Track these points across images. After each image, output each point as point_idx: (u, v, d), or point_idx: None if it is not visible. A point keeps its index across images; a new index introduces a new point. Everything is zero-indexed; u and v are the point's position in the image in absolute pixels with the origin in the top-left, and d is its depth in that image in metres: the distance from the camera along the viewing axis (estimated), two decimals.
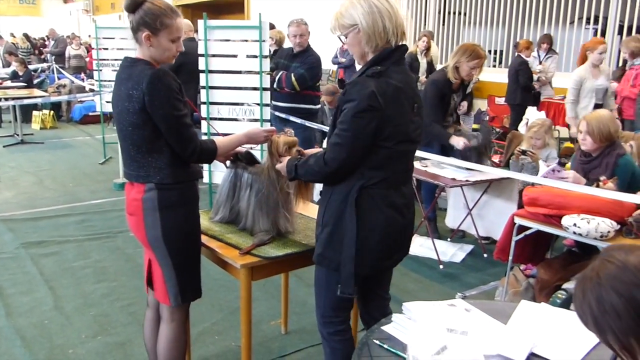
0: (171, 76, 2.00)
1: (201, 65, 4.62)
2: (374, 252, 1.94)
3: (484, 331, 1.55)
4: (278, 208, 2.31)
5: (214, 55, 4.67)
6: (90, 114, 10.32)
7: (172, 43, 2.05)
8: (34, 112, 10.01)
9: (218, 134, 3.61)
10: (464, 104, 4.52)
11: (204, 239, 2.33)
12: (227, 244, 2.27)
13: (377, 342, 1.60)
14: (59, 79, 11.39)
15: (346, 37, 1.93)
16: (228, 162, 2.49)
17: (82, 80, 11.55)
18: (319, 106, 5.52)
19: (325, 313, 2.10)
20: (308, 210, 2.70)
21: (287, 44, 5.58)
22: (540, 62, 7.50)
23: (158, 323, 2.34)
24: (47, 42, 15.47)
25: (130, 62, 2.06)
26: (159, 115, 1.97)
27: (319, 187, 2.01)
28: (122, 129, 2.05)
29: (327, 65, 8.17)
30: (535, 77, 7.21)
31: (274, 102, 5.10)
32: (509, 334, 1.56)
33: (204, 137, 3.63)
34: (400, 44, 1.92)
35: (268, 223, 2.31)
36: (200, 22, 4.57)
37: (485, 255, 4.27)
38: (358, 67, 2.00)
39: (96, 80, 6.83)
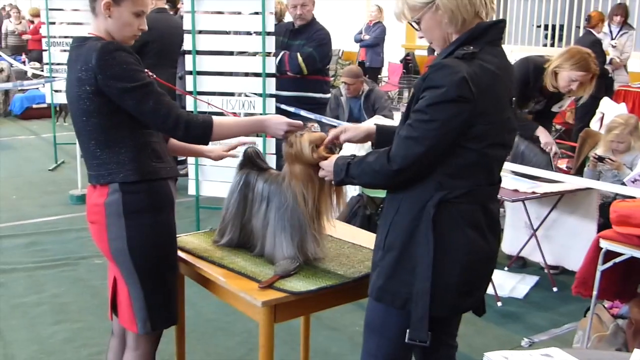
0: (126, 49, 2.12)
1: (187, 44, 4.61)
2: (453, 286, 1.92)
3: None
4: (305, 228, 2.30)
5: (201, 32, 4.67)
6: (35, 106, 10.33)
7: (135, 17, 2.17)
8: None
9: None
10: (545, 138, 4.26)
11: (203, 265, 2.35)
12: (240, 274, 2.26)
13: None
14: None
15: (419, 23, 1.93)
16: (236, 163, 2.51)
17: (23, 63, 11.57)
18: (328, 95, 5.52)
19: None
20: (337, 230, 2.68)
21: (289, 17, 5.59)
22: (613, 39, 7.51)
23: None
24: None
25: (79, 41, 2.19)
26: (119, 90, 2.08)
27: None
28: (77, 121, 2.19)
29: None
30: (607, 58, 7.21)
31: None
32: None
33: None
34: (495, 19, 1.92)
35: (293, 248, 2.30)
36: None
37: (555, 289, 4.24)
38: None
39: (45, 64, 6.83)
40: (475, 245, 1.92)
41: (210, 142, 2.32)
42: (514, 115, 1.99)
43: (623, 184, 3.94)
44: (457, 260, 1.90)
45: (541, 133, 4.17)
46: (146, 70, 2.20)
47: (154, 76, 2.24)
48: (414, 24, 1.94)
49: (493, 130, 1.87)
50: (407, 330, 1.92)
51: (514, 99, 1.97)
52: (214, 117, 2.24)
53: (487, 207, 1.96)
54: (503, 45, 1.98)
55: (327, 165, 2.12)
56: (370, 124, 2.49)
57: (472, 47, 1.84)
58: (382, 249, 1.98)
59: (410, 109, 1.89)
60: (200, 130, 2.20)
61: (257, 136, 4.63)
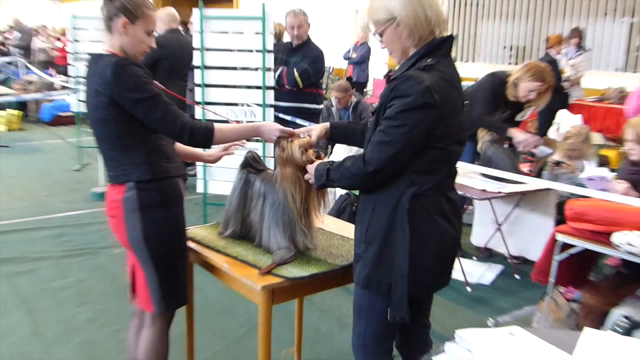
0: (137, 64, 2.13)
1: (196, 60, 4.61)
2: (428, 270, 1.94)
3: None
4: (295, 223, 2.30)
5: (208, 50, 4.67)
6: (62, 114, 10.28)
7: (146, 36, 2.19)
8: None
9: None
10: (520, 136, 4.21)
11: (209, 254, 2.36)
12: (242, 262, 2.26)
13: None
14: (25, 74, 11.33)
15: (382, 35, 1.94)
16: (238, 167, 2.50)
17: (51, 75, 11.50)
18: (321, 106, 5.52)
19: (367, 343, 2.08)
20: (326, 223, 2.68)
21: (287, 38, 5.59)
22: (570, 59, 7.55)
23: None
24: (8, 34, 15.39)
25: (95, 58, 2.21)
26: (131, 101, 2.08)
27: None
28: (96, 128, 2.21)
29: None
30: (563, 76, 7.26)
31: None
32: None
33: None
34: (445, 34, 1.94)
35: (285, 240, 2.30)
36: (196, 11, 4.58)
37: (517, 276, 4.27)
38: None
39: (71, 77, 6.80)
40: (445, 233, 1.95)
41: (212, 146, 2.31)
42: (465, 117, 2.01)
43: (579, 185, 3.96)
44: (431, 247, 1.92)
45: (514, 132, 4.10)
46: (155, 82, 2.20)
47: (163, 87, 2.23)
48: (377, 36, 1.96)
49: (453, 131, 1.90)
50: (388, 310, 1.93)
51: (465, 102, 1.99)
52: (215, 124, 2.24)
53: (449, 196, 1.98)
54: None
55: (312, 169, 2.13)
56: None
57: (430, 60, 1.86)
58: (364, 242, 1.99)
59: (379, 117, 1.89)
60: (203, 135, 2.20)
61: (258, 141, 4.64)
